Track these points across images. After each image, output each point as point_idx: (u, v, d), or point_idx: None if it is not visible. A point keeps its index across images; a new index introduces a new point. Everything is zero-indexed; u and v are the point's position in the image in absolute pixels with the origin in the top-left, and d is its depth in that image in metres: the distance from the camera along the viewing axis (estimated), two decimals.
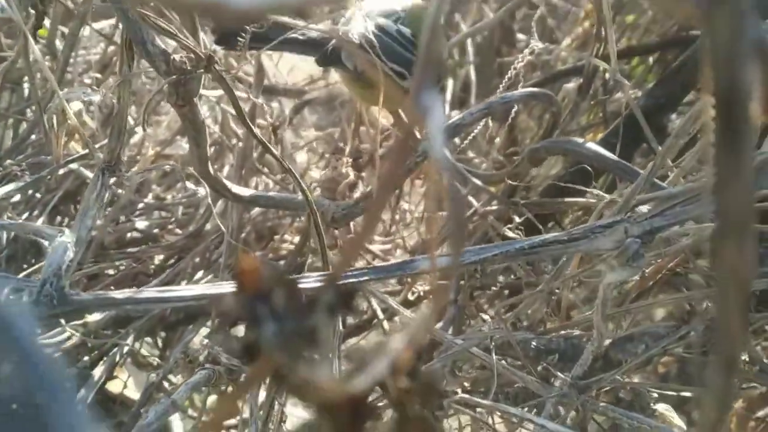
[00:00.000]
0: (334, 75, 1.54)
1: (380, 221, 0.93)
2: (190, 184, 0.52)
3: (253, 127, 0.48)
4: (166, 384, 0.85)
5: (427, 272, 0.41)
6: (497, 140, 1.24)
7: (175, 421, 1.11)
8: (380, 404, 0.21)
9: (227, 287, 0.38)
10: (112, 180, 0.49)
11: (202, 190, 0.52)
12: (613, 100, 1.09)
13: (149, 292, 0.37)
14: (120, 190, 0.85)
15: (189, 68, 0.42)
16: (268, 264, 0.18)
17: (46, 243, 0.39)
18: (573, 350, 0.57)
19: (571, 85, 0.81)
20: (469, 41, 1.27)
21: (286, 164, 0.47)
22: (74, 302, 0.35)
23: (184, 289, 0.37)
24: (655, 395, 0.65)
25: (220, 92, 0.76)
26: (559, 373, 0.53)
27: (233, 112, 0.81)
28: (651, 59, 1.17)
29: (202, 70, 0.43)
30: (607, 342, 0.54)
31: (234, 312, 0.17)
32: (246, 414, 0.67)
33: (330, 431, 0.17)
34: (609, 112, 1.05)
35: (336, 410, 0.17)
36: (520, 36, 1.42)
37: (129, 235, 0.93)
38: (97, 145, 0.60)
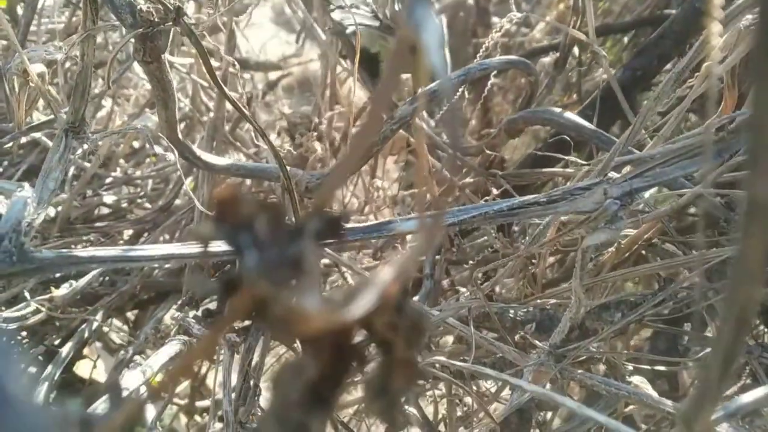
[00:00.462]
0: (309, 53, 1.52)
1: (355, 198, 0.92)
2: (158, 149, 0.50)
3: (224, 86, 0.46)
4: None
5: (407, 233, 0.40)
6: (472, 122, 1.23)
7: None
8: (366, 348, 0.20)
9: (197, 248, 0.37)
10: (77, 143, 0.46)
11: (171, 157, 0.50)
12: (588, 79, 1.09)
13: (115, 250, 0.35)
14: (87, 163, 0.82)
15: (156, 20, 0.40)
16: (249, 193, 0.17)
17: (4, 200, 0.37)
18: (549, 321, 0.57)
19: (548, 59, 0.81)
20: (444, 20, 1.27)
21: (258, 126, 0.46)
22: (35, 260, 0.33)
23: (151, 248, 0.36)
24: (630, 368, 0.66)
25: (190, 60, 0.74)
26: (536, 342, 0.52)
27: (204, 82, 0.79)
28: (626, 39, 1.17)
29: (170, 23, 0.41)
30: (583, 312, 0.54)
31: (215, 241, 0.16)
32: (219, 395, 0.65)
33: (314, 369, 0.16)
34: (584, 92, 1.05)
35: (321, 346, 0.16)
36: (496, 20, 1.41)
37: (97, 210, 0.90)
38: (62, 111, 0.57)
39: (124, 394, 0.42)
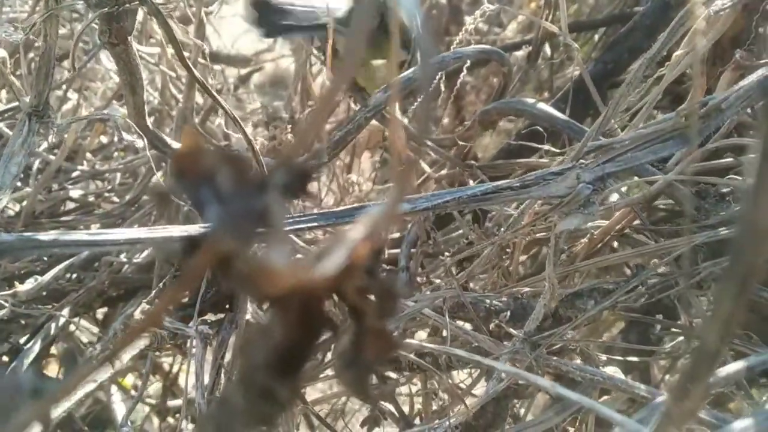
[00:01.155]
0: (281, 49, 1.51)
1: (330, 191, 0.91)
2: (127, 135, 0.48)
3: (193, 69, 0.45)
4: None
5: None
6: (445, 121, 1.24)
7: (117, 403, 1.07)
8: (336, 315, 0.19)
9: (165, 232, 0.36)
10: (40, 127, 0.45)
11: (140, 143, 0.49)
12: (559, 76, 1.10)
13: (79, 234, 0.34)
14: (52, 156, 0.80)
15: None
16: (212, 144, 0.16)
17: None
18: (523, 310, 0.57)
19: (521, 52, 0.81)
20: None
21: (230, 112, 0.45)
22: None
23: (117, 232, 0.35)
24: (604, 358, 0.66)
25: (158, 49, 0.73)
26: (511, 330, 0.52)
27: (173, 73, 0.78)
28: (596, 37, 1.18)
29: (136, 2, 0.40)
30: (557, 300, 0.54)
31: (175, 195, 0.15)
32: (191, 394, 0.64)
33: (281, 332, 0.16)
34: (555, 88, 1.06)
35: (289, 308, 0.16)
36: (469, 19, 1.42)
37: (63, 206, 0.88)
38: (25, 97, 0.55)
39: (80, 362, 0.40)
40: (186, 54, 0.69)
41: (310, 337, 0.16)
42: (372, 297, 0.17)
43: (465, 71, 0.75)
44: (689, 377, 0.23)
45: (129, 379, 1.17)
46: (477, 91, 1.35)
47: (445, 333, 0.57)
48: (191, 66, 0.45)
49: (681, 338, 0.66)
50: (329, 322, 0.16)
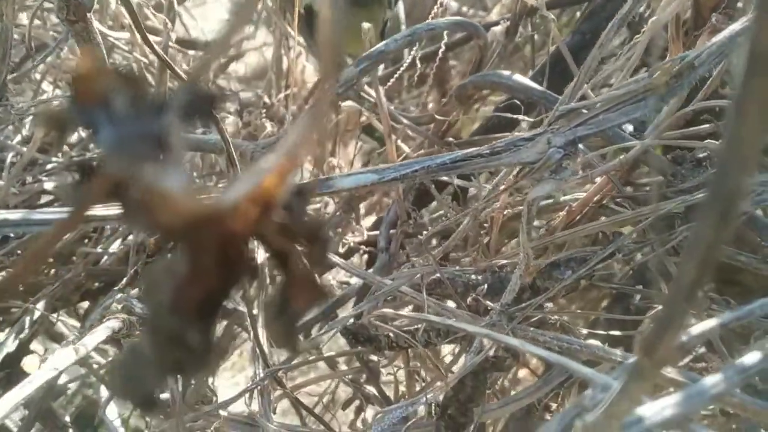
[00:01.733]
0: (264, 38, 1.49)
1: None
2: None
3: (156, 48, 0.44)
4: None
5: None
6: (430, 106, 1.23)
7: (105, 398, 1.06)
8: (255, 259, 0.18)
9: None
10: None
11: None
12: (540, 54, 1.09)
13: (50, 212, 0.33)
14: (24, 148, 0.79)
15: None
16: (109, 66, 0.15)
17: None
18: (500, 283, 0.56)
19: (499, 27, 0.80)
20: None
21: None
22: None
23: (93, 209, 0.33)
24: (585, 332, 0.65)
25: (128, 35, 0.71)
26: (488, 302, 0.52)
27: (146, 60, 0.76)
28: (578, 14, 1.17)
29: None
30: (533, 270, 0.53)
31: (68, 120, 0.14)
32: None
33: (191, 270, 0.14)
34: (536, 66, 1.05)
35: (200, 243, 0.14)
36: (453, 3, 1.41)
37: (38, 200, 0.86)
38: None
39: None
40: (158, 39, 0.68)
41: (226, 278, 0.15)
42: (297, 241, 0.16)
43: (443, 47, 0.74)
44: (662, 323, 0.21)
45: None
46: (462, 76, 1.34)
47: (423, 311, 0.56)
48: (157, 49, 0.43)
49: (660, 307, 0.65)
50: (247, 264, 0.15)
